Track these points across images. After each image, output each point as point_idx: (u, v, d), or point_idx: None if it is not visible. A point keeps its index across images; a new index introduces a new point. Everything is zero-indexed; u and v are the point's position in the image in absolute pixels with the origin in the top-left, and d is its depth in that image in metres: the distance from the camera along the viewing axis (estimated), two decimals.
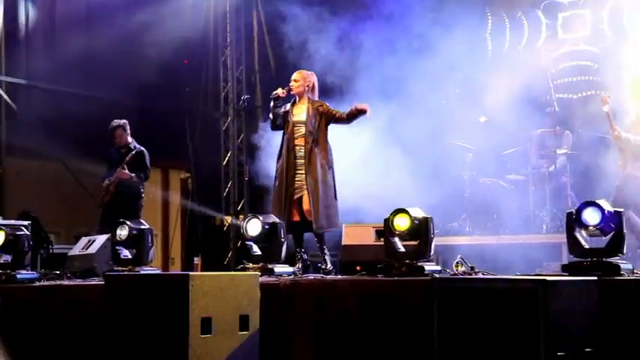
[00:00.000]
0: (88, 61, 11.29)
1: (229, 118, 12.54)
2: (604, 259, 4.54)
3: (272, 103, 7.08)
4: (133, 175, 8.95)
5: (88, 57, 11.30)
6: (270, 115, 7.10)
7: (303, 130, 6.97)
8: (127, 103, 12.03)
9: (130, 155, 8.98)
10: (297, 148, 6.97)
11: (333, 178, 7.01)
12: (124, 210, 8.69)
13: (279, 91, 7.09)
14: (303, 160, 6.92)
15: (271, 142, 8.34)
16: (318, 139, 6.94)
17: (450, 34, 9.85)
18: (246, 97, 9.30)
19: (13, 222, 8.20)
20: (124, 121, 9.19)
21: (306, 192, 6.86)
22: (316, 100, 7.10)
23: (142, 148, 9.12)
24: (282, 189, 6.96)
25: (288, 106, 7.11)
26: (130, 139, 9.16)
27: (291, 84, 7.10)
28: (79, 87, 11.39)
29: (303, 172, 6.90)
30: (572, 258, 4.78)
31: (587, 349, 3.75)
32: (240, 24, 12.52)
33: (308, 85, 7.10)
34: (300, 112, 7.03)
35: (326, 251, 6.92)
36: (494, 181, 9.40)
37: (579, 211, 4.66)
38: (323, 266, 6.79)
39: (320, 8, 10.69)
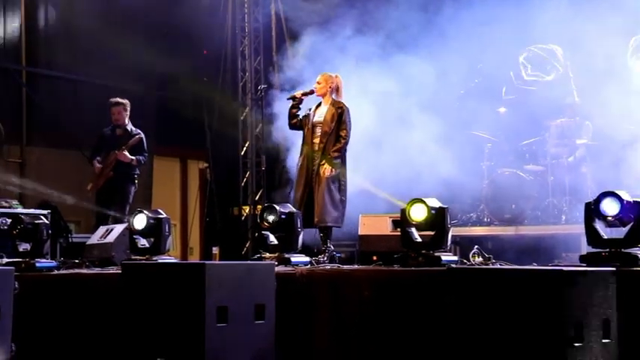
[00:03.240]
0: (106, 51, 11.33)
1: (247, 108, 12.55)
2: (623, 250, 4.50)
3: (290, 103, 7.20)
4: (133, 158, 8.65)
5: (107, 47, 11.34)
6: (288, 114, 7.25)
7: (320, 130, 7.11)
8: (146, 93, 12.09)
9: (134, 138, 8.69)
10: (314, 145, 7.12)
11: (345, 176, 7.05)
12: (117, 196, 8.61)
13: (297, 93, 7.33)
14: (317, 159, 7.06)
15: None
16: (333, 138, 7.03)
17: (469, 24, 9.80)
18: (263, 86, 9.32)
19: (32, 211, 8.28)
20: (126, 100, 8.89)
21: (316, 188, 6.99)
22: (337, 101, 7.17)
23: (141, 132, 8.85)
24: (299, 184, 7.15)
25: (313, 108, 7.22)
26: (127, 120, 8.86)
27: (314, 86, 7.23)
28: (98, 77, 11.44)
29: (316, 168, 7.00)
30: (591, 249, 4.74)
31: (604, 340, 3.72)
32: (258, 13, 12.50)
33: (331, 87, 7.23)
34: (320, 113, 7.19)
35: (329, 245, 6.92)
36: (513, 171, 9.34)
37: (598, 201, 4.63)
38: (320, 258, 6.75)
39: None
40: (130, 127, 8.86)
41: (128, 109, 8.86)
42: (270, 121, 10.56)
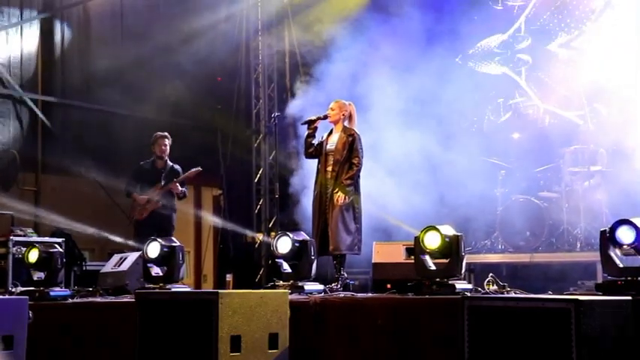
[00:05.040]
0: (121, 80, 11.41)
1: (261, 136, 12.58)
2: (639, 279, 4.46)
3: (306, 132, 7.23)
4: (184, 189, 8.92)
5: (122, 75, 11.43)
6: (304, 143, 7.25)
7: (332, 158, 7.09)
8: (159, 121, 12.14)
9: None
10: (327, 173, 7.09)
11: (359, 203, 7.03)
12: (161, 226, 8.68)
13: (312, 117, 7.23)
14: (330, 187, 7.02)
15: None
16: (345, 165, 7.01)
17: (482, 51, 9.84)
18: (277, 114, 9.34)
19: (47, 239, 8.31)
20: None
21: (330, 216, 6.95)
22: (348, 129, 7.14)
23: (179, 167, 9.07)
24: (315, 213, 7.11)
25: (325, 135, 7.21)
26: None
27: (327, 112, 7.22)
28: (112, 105, 11.52)
29: (329, 196, 6.99)
30: (607, 277, 4.70)
31: None
32: (271, 41, 12.57)
33: (344, 114, 7.20)
34: (332, 141, 7.16)
35: (343, 273, 6.89)
36: (527, 198, 9.29)
37: (613, 229, 4.60)
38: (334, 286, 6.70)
39: (352, 22, 10.72)
40: (168, 160, 9.02)
41: (170, 142, 9.06)
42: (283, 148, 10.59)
